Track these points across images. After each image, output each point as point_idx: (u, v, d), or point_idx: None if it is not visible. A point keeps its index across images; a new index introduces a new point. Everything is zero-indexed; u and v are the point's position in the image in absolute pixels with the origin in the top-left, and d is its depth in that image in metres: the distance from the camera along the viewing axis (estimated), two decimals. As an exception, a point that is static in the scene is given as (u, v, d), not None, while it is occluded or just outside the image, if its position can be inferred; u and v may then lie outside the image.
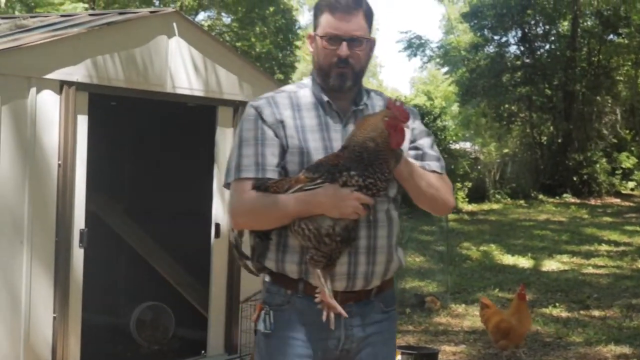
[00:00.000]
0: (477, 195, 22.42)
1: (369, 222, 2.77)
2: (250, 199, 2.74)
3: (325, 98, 2.84)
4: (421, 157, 2.90)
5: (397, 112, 2.65)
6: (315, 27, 2.88)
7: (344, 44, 2.77)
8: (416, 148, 2.91)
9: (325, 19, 2.82)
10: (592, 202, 23.73)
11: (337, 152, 2.70)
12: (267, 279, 2.88)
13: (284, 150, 2.77)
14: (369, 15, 2.85)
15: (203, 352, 6.43)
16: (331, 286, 2.71)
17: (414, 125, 2.90)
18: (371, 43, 2.87)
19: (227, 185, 2.87)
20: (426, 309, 8.97)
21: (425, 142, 2.93)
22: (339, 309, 2.69)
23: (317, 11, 2.87)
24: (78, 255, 5.34)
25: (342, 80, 2.81)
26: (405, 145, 2.82)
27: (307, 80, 2.95)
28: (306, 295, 2.77)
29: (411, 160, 2.84)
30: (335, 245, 2.65)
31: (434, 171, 2.88)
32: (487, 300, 7.37)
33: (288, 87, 2.97)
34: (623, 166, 26.29)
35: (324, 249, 2.64)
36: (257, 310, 2.89)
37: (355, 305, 2.82)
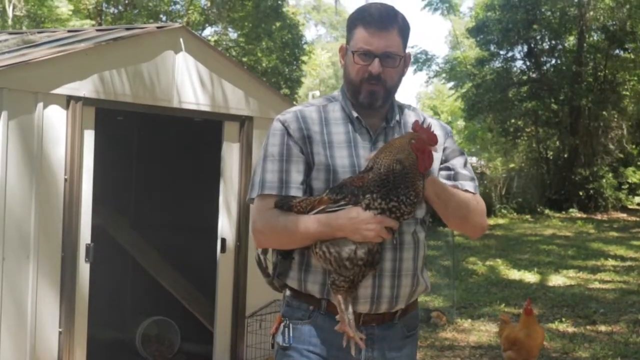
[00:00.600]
0: (483, 210, 22.38)
1: (395, 244, 2.68)
2: (272, 218, 2.66)
3: (355, 114, 2.76)
4: (453, 177, 2.80)
5: (424, 135, 2.56)
6: (348, 40, 2.78)
7: (376, 60, 2.68)
8: (448, 168, 2.82)
9: (359, 33, 2.71)
10: (599, 217, 23.71)
11: (362, 173, 2.60)
12: (287, 292, 2.81)
13: (309, 167, 2.70)
14: (404, 31, 2.75)
15: (208, 366, 6.43)
16: (353, 309, 2.64)
17: (446, 145, 2.84)
18: (405, 59, 2.77)
19: (250, 201, 2.79)
20: (432, 323, 8.94)
21: (457, 162, 2.84)
22: (357, 339, 2.61)
23: (351, 24, 2.76)
24: (84, 269, 5.35)
25: (373, 97, 2.72)
26: (435, 165, 2.75)
27: (337, 94, 2.86)
28: (328, 313, 2.70)
29: (441, 179, 2.76)
30: (358, 269, 2.57)
31: (467, 191, 2.79)
32: (505, 317, 7.37)
33: (317, 101, 2.87)
34: (629, 181, 26.35)
35: (345, 273, 2.57)
36: (276, 322, 2.82)
37: (377, 328, 2.75)
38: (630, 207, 26.03)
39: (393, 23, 2.71)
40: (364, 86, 2.72)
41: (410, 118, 2.84)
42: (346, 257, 2.55)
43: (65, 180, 5.20)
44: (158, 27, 6.18)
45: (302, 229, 2.59)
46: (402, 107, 2.89)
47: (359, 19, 2.73)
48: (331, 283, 2.61)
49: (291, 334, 2.76)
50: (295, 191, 2.68)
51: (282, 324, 2.79)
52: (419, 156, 2.54)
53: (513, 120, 27.08)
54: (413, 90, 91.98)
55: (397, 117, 2.83)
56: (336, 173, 2.67)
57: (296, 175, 2.69)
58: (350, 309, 2.63)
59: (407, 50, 2.81)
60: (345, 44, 2.82)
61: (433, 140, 2.57)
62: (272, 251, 2.81)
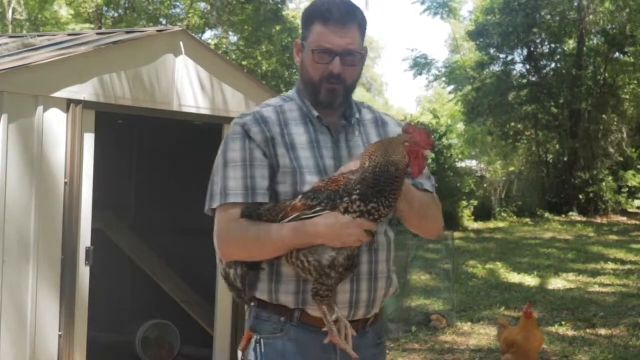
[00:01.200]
0: (483, 213, 22.46)
1: (371, 246, 2.56)
2: (241, 229, 2.50)
3: (316, 113, 2.62)
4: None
5: (418, 138, 2.41)
6: (305, 37, 2.61)
7: (337, 59, 2.54)
8: None
9: (317, 30, 2.56)
10: (598, 220, 23.71)
11: (336, 175, 2.45)
12: (253, 303, 2.61)
13: (273, 171, 2.53)
14: (362, 27, 2.61)
15: (208, 370, 6.42)
16: (341, 314, 2.50)
17: None
18: (364, 56, 2.65)
19: (211, 212, 2.62)
20: (432, 327, 8.94)
21: None
22: (350, 350, 2.46)
23: (308, 20, 2.60)
24: (84, 273, 5.35)
25: (334, 97, 2.59)
26: None
27: (292, 93, 2.71)
28: (302, 324, 2.54)
29: None
30: (339, 276, 2.44)
31: (426, 190, 2.66)
32: (504, 321, 7.37)
33: (273, 101, 2.71)
34: (629, 184, 26.33)
35: (327, 282, 2.42)
36: (245, 338, 2.62)
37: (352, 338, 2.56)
38: (630, 210, 26.01)
39: (353, 19, 2.58)
40: (323, 85, 2.58)
41: (368, 116, 2.76)
42: (327, 265, 2.41)
43: (66, 183, 5.20)
44: (158, 31, 6.19)
45: (276, 239, 2.43)
46: (358, 105, 2.77)
47: (317, 15, 2.58)
48: (314, 294, 2.45)
49: (263, 350, 2.56)
50: (262, 197, 2.52)
51: (252, 340, 2.59)
52: (412, 160, 2.40)
53: (513, 124, 27.08)
54: (413, 94, 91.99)
55: (357, 115, 2.71)
56: (302, 175, 2.52)
57: (261, 181, 2.53)
58: (339, 312, 2.50)
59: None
60: (301, 41, 2.66)
61: (427, 143, 2.42)
62: (237, 263, 2.61)
